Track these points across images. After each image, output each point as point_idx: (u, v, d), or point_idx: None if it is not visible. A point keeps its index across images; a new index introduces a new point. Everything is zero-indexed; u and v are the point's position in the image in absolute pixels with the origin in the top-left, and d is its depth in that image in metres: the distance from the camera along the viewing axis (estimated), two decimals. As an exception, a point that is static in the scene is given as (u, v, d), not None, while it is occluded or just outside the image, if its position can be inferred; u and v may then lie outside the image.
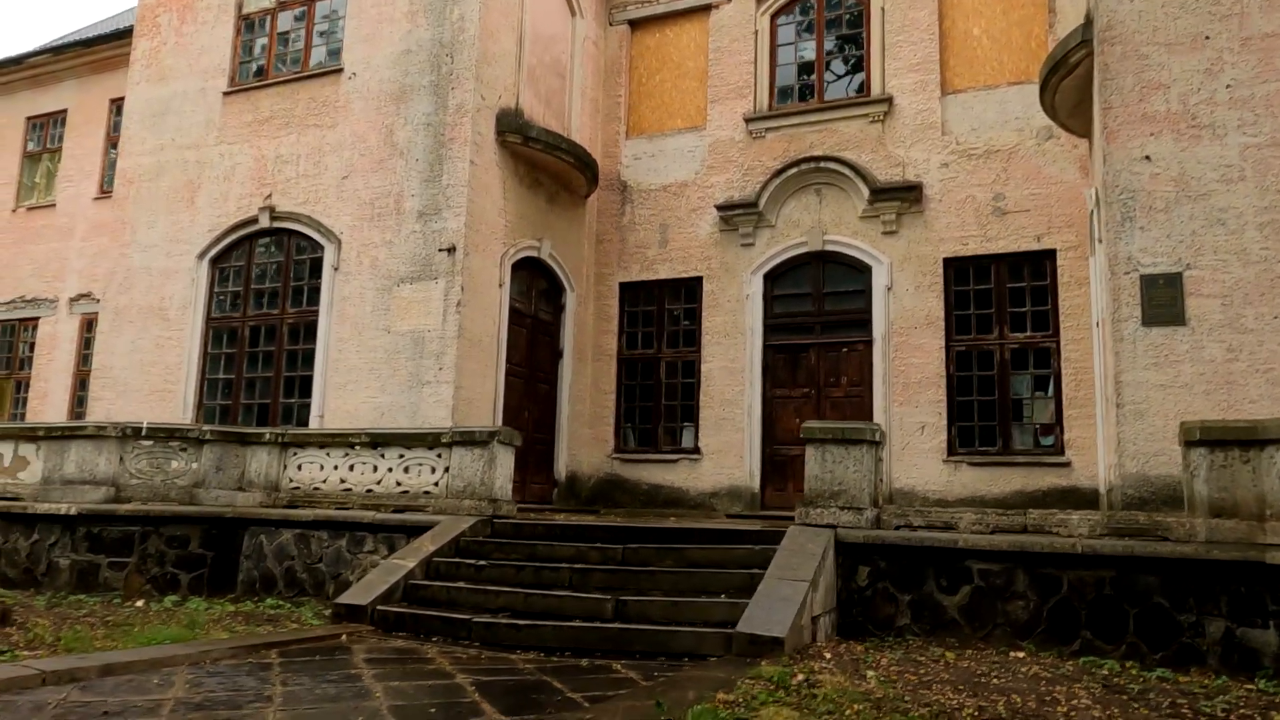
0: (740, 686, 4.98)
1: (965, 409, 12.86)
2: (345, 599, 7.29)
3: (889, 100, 13.75)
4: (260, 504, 9.93)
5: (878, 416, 13.22)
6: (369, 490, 9.57)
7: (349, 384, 12.90)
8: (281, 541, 9.55)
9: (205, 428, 10.22)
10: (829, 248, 13.97)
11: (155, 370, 14.46)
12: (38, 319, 19.89)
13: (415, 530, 8.85)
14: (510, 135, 13.26)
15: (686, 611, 6.56)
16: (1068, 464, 12.00)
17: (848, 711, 4.62)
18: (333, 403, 12.96)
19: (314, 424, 12.79)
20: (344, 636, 6.77)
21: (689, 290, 15.02)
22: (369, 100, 13.46)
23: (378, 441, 9.69)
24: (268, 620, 7.74)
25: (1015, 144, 12.96)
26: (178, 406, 14.09)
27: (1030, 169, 12.82)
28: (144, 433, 9.92)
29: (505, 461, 9.05)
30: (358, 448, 9.74)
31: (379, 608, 7.25)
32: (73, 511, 9.42)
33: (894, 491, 12.95)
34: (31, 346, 19.92)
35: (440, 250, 12.53)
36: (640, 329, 15.31)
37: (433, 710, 4.71)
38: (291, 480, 10.04)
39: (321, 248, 13.55)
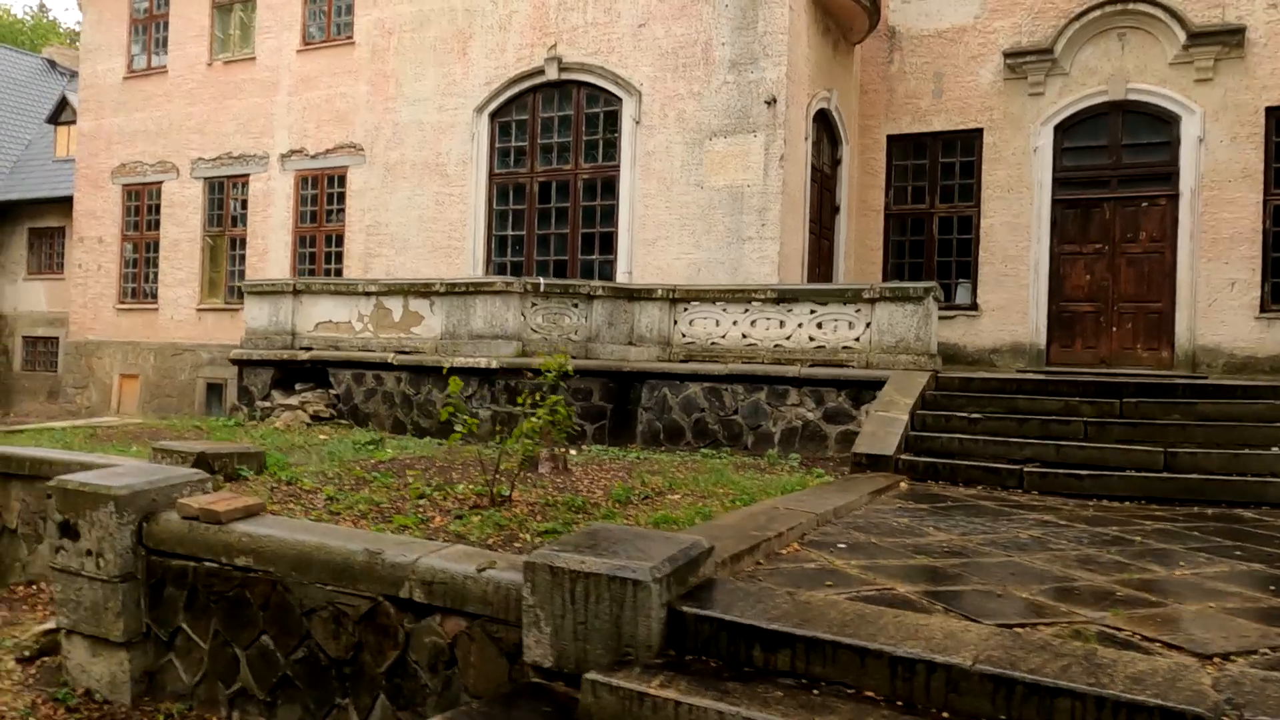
0: None
1: (1283, 265, 12.70)
2: (866, 449, 7.55)
3: (1216, -64, 12.96)
4: (656, 359, 10.15)
5: (1181, 273, 13.13)
6: (777, 345, 9.73)
7: (659, 240, 12.92)
8: (689, 394, 9.82)
9: (596, 284, 10.35)
10: (1131, 97, 13.49)
11: (437, 227, 14.54)
12: (247, 176, 19.89)
13: (846, 385, 9.05)
14: (818, -22, 12.72)
15: (1253, 463, 6.75)
16: None
17: None
18: (641, 259, 13.03)
19: (621, 280, 12.90)
20: (902, 484, 7.06)
21: (965, 143, 14.66)
22: (672, -58, 12.89)
23: (784, 297, 9.79)
24: (753, 468, 8.04)
25: (1366, -17, 12.25)
26: (465, 263, 14.23)
27: (1383, 10, 12.16)
28: (541, 289, 10.08)
29: (935, 316, 9.15)
30: (759, 303, 9.84)
31: (902, 457, 7.52)
32: (494, 365, 9.71)
33: (1196, 349, 12.98)
34: (243, 204, 20.03)
35: (765, 103, 12.24)
36: (910, 183, 15.06)
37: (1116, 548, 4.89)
38: (684, 335, 10.22)
39: (618, 100, 13.29)
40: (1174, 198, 13.30)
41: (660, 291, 10.29)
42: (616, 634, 3.31)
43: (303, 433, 10.07)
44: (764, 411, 9.54)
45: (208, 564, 4.48)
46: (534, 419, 5.80)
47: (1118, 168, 13.70)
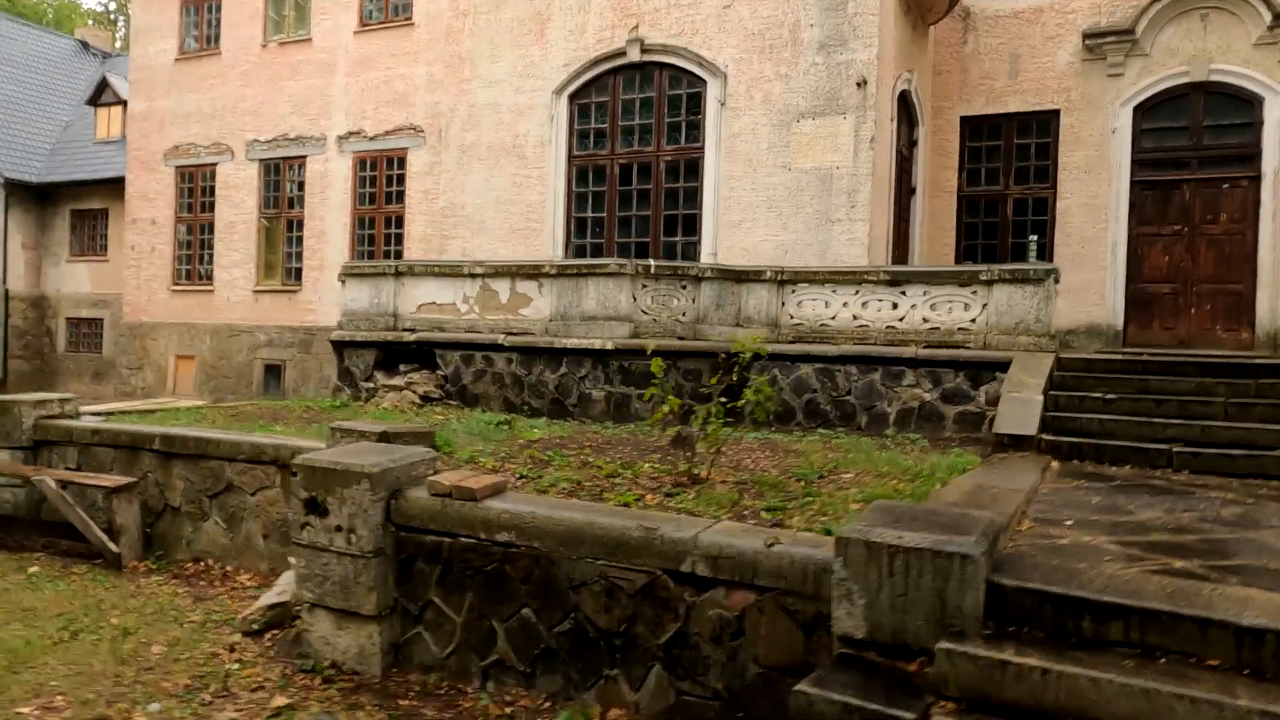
0: None
1: (1372, 245, 12.75)
2: (1008, 429, 7.66)
3: (1307, -84, 12.94)
4: (765, 339, 10.22)
5: (1262, 255, 13.19)
6: (889, 327, 9.82)
7: (744, 222, 12.98)
8: (801, 375, 9.92)
9: (705, 265, 10.43)
10: (1213, 78, 13.51)
11: (514, 208, 14.59)
12: (304, 158, 19.93)
13: (964, 366, 9.15)
14: (906, -41, 12.72)
15: None
16: None
17: None
18: (726, 240, 13.10)
19: (705, 261, 12.96)
20: (1053, 464, 7.17)
21: (1041, 124, 14.69)
22: (760, -77, 12.88)
23: (897, 280, 9.87)
24: (886, 448, 8.15)
25: None
26: (545, 244, 14.30)
27: None
28: (652, 270, 10.16)
29: (1054, 298, 9.24)
30: (871, 285, 9.93)
31: (1044, 437, 7.62)
32: (609, 346, 9.81)
33: (1278, 330, 13.06)
34: (300, 186, 20.07)
35: (856, 85, 12.27)
36: (984, 165, 15.10)
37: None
38: (792, 316, 10.31)
39: (702, 82, 13.32)
40: (1256, 179, 13.34)
41: (769, 273, 10.37)
42: (939, 606, 3.42)
43: (416, 413, 10.18)
44: (878, 392, 9.64)
45: (464, 540, 4.60)
46: (748, 394, 5.87)
47: (1198, 149, 13.73)
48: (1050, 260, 14.55)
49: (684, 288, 10.30)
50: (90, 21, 45.01)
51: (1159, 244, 13.93)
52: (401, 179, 18.78)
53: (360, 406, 10.71)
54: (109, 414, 8.86)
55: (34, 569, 7.02)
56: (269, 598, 5.49)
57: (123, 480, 7.16)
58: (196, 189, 21.41)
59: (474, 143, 14.90)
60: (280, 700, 4.44)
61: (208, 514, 7.25)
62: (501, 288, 10.71)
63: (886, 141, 12.91)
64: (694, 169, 13.41)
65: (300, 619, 5.04)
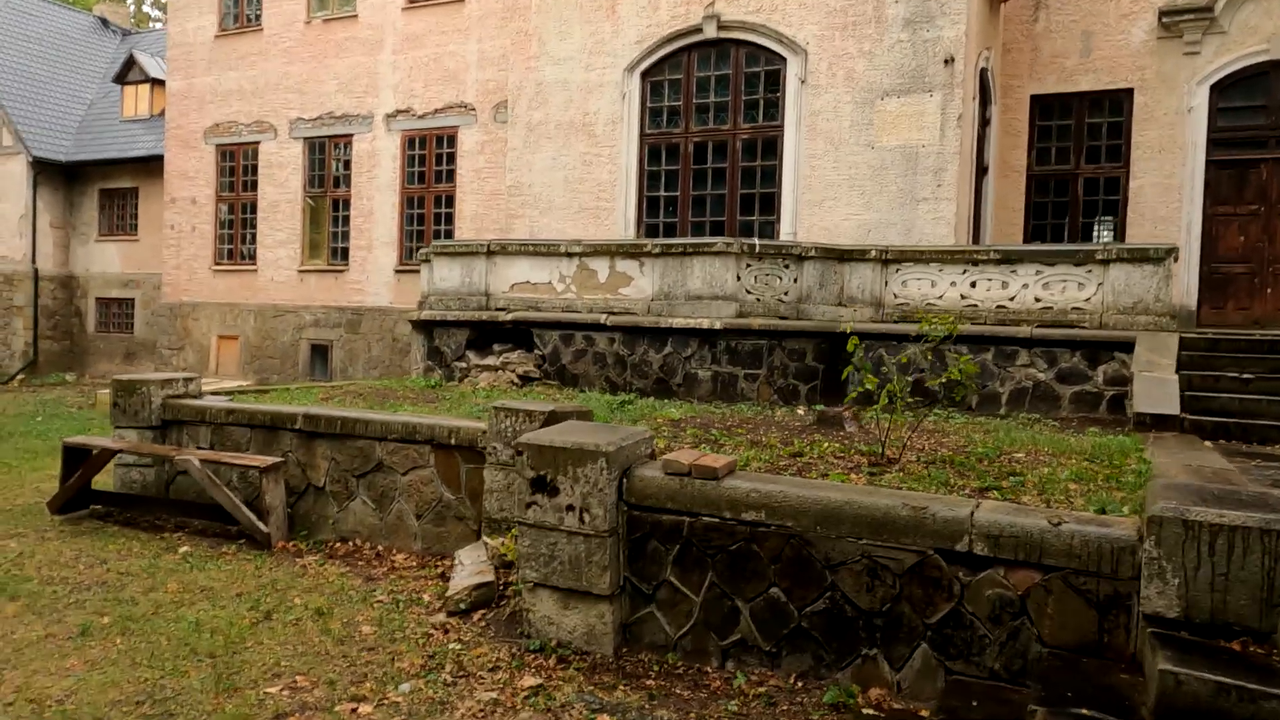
0: None
1: None
2: (1149, 409, 7.62)
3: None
4: (869, 319, 10.20)
5: (1341, 233, 13.15)
6: (999, 306, 9.77)
7: (825, 201, 12.90)
8: (909, 355, 9.86)
9: (808, 244, 10.35)
10: (1293, 56, 13.43)
11: (584, 187, 14.48)
12: (350, 136, 19.75)
13: (1081, 345, 9.12)
14: (992, -65, 12.58)
15: None
16: None
17: None
18: (806, 220, 13.02)
19: (792, 240, 12.89)
20: (1205, 444, 7.14)
21: (1114, 103, 14.61)
22: (845, -103, 12.72)
23: (1008, 258, 9.81)
24: (1018, 427, 8.12)
25: None
26: (616, 224, 14.20)
27: None
28: (756, 249, 10.09)
29: (1172, 278, 9.19)
30: (981, 264, 9.87)
31: (1186, 417, 7.60)
32: (717, 325, 9.74)
33: (1356, 308, 13.04)
34: (346, 165, 19.89)
35: (944, 62, 12.17)
36: (1054, 144, 15.01)
37: None
38: (896, 296, 10.26)
39: (782, 59, 13.19)
40: (1335, 158, 13.29)
41: (873, 253, 10.30)
42: (1267, 585, 3.38)
43: (517, 393, 10.11)
44: (990, 372, 9.60)
45: (705, 519, 4.54)
46: (951, 372, 5.80)
47: (1277, 128, 13.67)
48: (1122, 240, 14.52)
49: (786, 267, 10.23)
50: (102, -2, 44.37)
51: (1234, 224, 13.89)
52: (452, 158, 18.63)
53: (455, 386, 10.63)
54: (232, 393, 8.77)
55: (185, 549, 6.95)
56: (466, 578, 5.43)
57: (271, 460, 7.09)
58: (238, 167, 21.21)
59: (541, 120, 14.75)
60: (529, 680, 4.39)
61: (354, 493, 7.19)
62: (600, 267, 10.62)
63: (970, 120, 12.82)
64: (772, 147, 13.31)
65: (517, 598, 4.99)
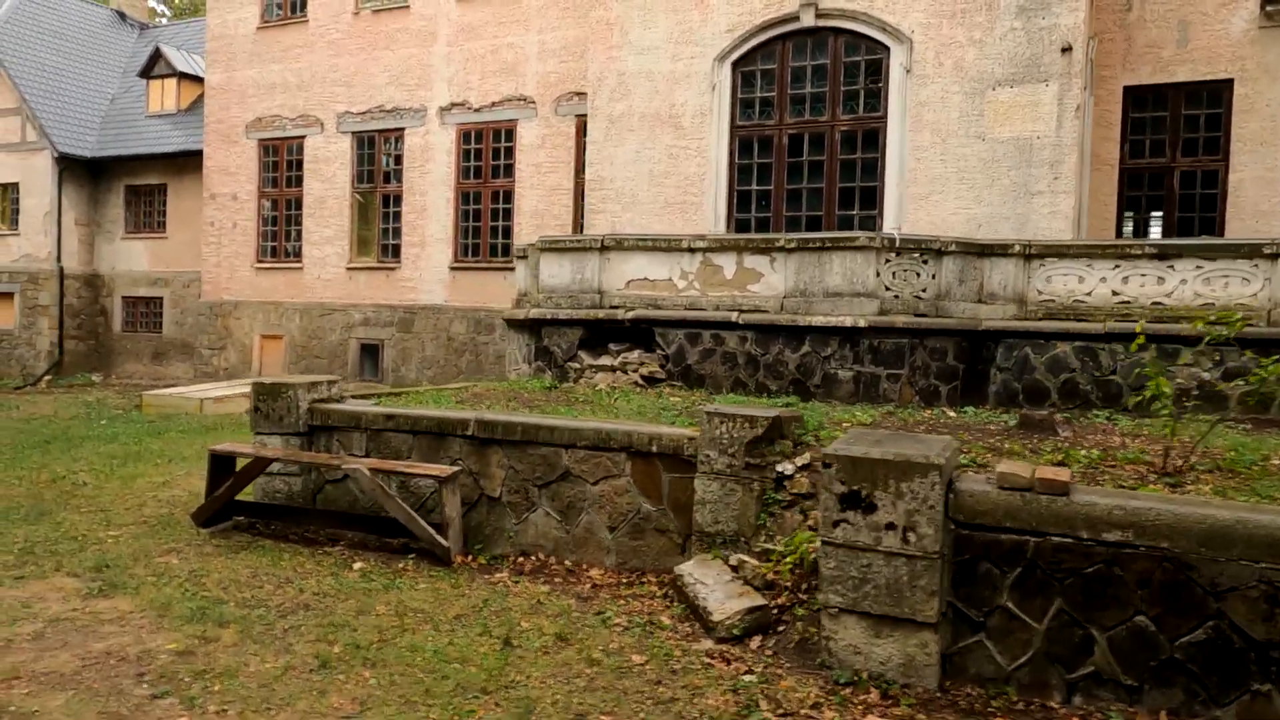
0: None
1: None
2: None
3: None
4: (1012, 317, 9.78)
5: None
6: (1155, 303, 9.37)
7: (932, 194, 12.49)
8: (1057, 354, 9.47)
9: (946, 239, 9.91)
10: (1403, 46, 13.08)
11: (669, 182, 14.01)
12: (402, 130, 19.23)
13: (1251, 344, 8.72)
14: (1105, -80, 12.18)
15: None
16: None
17: None
18: (911, 214, 12.60)
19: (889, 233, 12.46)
20: None
21: (1212, 94, 14.24)
22: (956, -120, 12.29)
23: (1165, 253, 9.40)
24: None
25: None
26: (705, 219, 13.75)
27: None
28: (896, 244, 9.65)
29: (1350, 272, 8.82)
30: (1134, 259, 9.46)
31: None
32: (860, 324, 9.30)
33: None
34: (397, 159, 19.35)
35: (1061, 50, 11.76)
36: (1148, 136, 14.63)
37: None
38: (1040, 292, 9.84)
39: (884, 48, 12.76)
40: None
41: (1016, 247, 9.88)
42: None
43: (644, 393, 9.63)
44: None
45: (1054, 539, 4.09)
46: (1262, 373, 5.36)
47: (1385, 119, 13.33)
48: (1222, 236, 14.16)
49: (925, 262, 9.79)
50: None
51: (1340, 218, 13.53)
52: (510, 152, 18.13)
53: (573, 388, 10.15)
54: (379, 397, 8.25)
55: (359, 565, 6.45)
56: (728, 600, 4.95)
57: (450, 469, 6.59)
58: (281, 162, 20.64)
59: (624, 113, 14.27)
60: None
61: (535, 504, 6.70)
62: (726, 262, 10.16)
63: (1087, 110, 12.42)
64: (873, 139, 12.87)
65: (802, 623, 4.53)
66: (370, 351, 19.60)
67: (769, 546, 5.34)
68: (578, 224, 17.36)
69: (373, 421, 7.22)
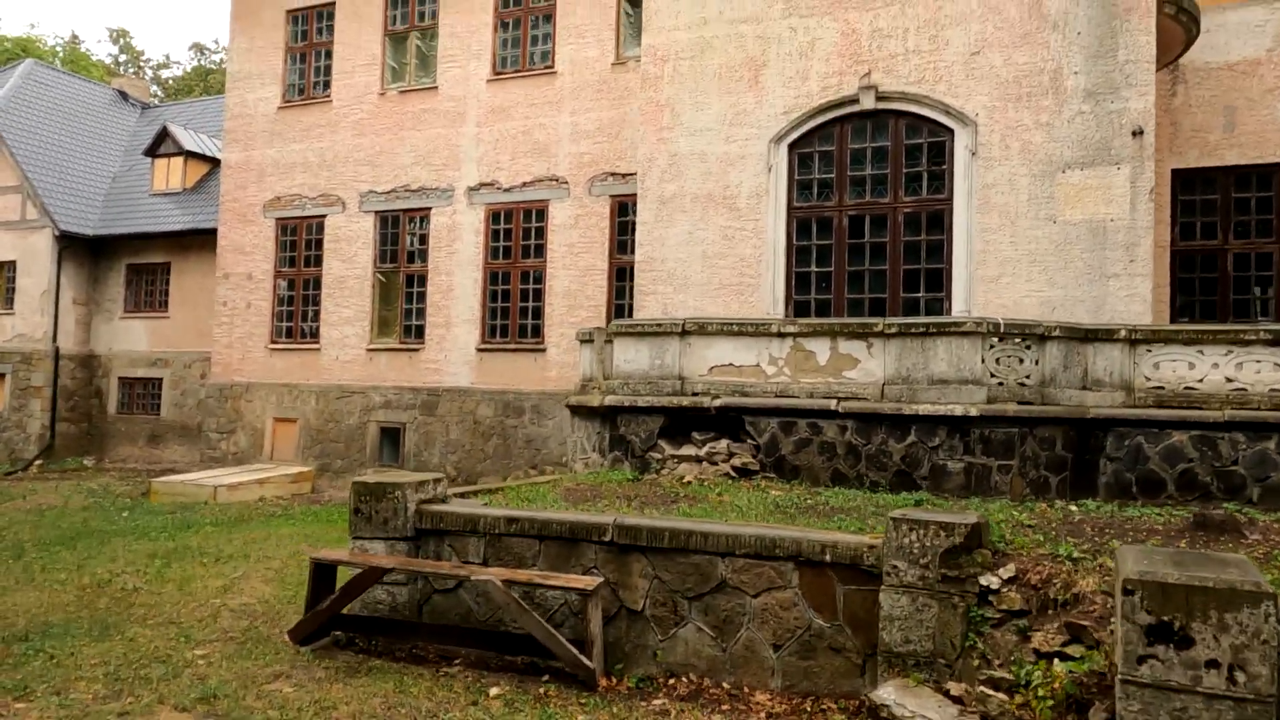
0: None
1: None
2: None
3: None
4: (1121, 404, 9.39)
5: None
6: (1273, 390, 9.03)
7: (1002, 276, 12.22)
8: (1173, 444, 9.07)
9: (1052, 323, 9.56)
10: None
11: (724, 263, 13.67)
12: (428, 210, 18.88)
13: (1382, 431, 8.37)
14: (1166, 4, 12.25)
15: None
16: None
17: None
18: (981, 296, 12.30)
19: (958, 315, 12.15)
20: None
21: (1262, 177, 14.26)
22: (1020, -33, 12.34)
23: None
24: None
25: None
26: (762, 301, 13.38)
27: None
28: (1001, 328, 9.28)
29: None
30: (1250, 345, 9.15)
31: None
32: (971, 412, 8.86)
33: None
34: (422, 239, 18.95)
35: (1132, 134, 11.67)
36: (1198, 219, 14.59)
37: None
38: (1148, 379, 9.48)
39: (947, 131, 12.63)
40: None
41: (1123, 332, 9.54)
42: None
43: (738, 488, 9.06)
44: (1273, 462, 8.81)
45: None
46: None
47: None
48: (1277, 319, 14.03)
49: (1028, 347, 9.42)
50: (103, 73, 43.71)
51: (1397, 300, 13.45)
52: (541, 232, 17.80)
53: (655, 480, 9.57)
54: (476, 494, 7.61)
55: (496, 690, 5.75)
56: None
57: (595, 580, 5.96)
58: (300, 242, 20.15)
59: (676, 194, 13.99)
60: None
61: (685, 618, 6.07)
62: (819, 348, 9.73)
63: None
64: (938, 221, 12.64)
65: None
66: (390, 435, 18.87)
67: (995, 674, 4.75)
68: (612, 305, 16.99)
69: (492, 525, 6.59)
